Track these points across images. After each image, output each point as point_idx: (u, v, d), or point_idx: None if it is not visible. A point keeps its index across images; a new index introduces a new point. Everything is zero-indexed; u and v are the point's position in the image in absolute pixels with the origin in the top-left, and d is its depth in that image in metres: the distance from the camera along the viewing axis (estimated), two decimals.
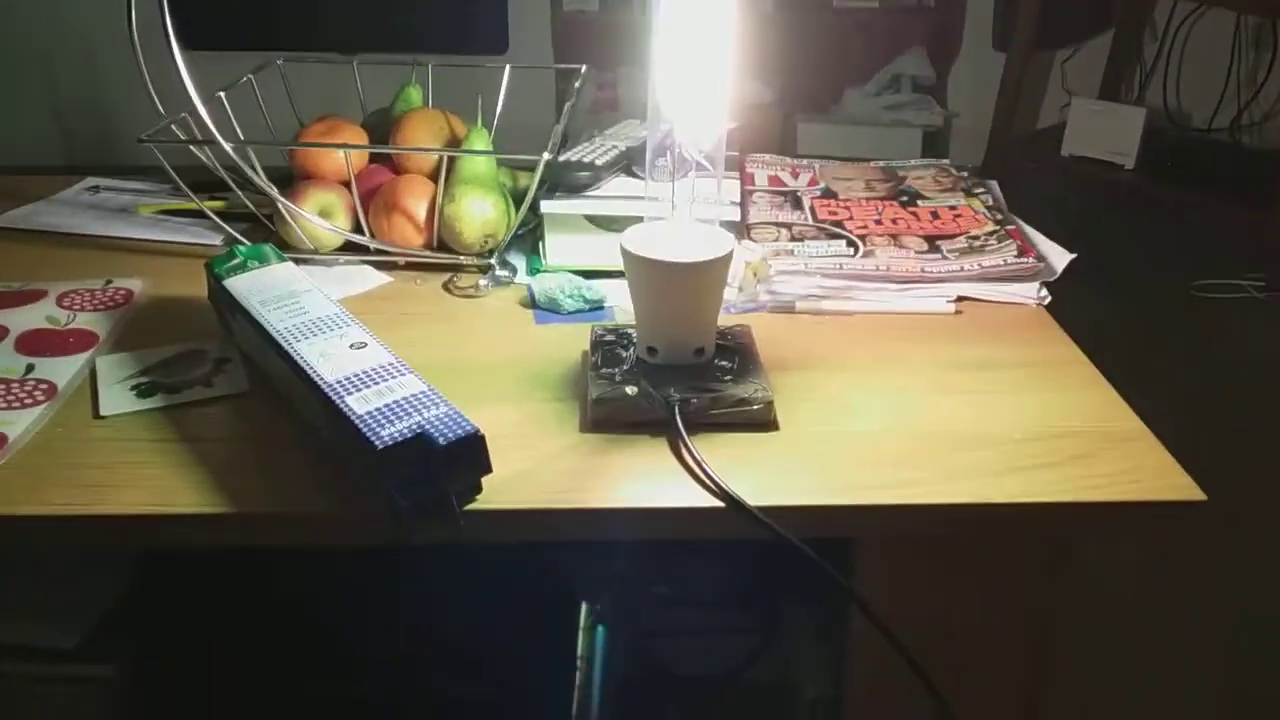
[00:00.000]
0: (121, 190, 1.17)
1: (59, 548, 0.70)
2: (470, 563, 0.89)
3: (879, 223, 1.05)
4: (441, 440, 0.62)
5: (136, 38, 0.92)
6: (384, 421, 0.64)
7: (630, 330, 0.82)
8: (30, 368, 0.80)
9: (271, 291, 0.79)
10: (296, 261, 0.91)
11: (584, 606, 0.64)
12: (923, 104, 3.27)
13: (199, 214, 1.04)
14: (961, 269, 0.97)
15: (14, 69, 3.28)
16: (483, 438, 0.64)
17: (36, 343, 0.84)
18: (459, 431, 0.63)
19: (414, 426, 0.63)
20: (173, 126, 0.96)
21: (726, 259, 0.76)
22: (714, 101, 0.76)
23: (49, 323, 0.87)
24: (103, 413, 0.76)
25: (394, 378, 0.68)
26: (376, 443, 0.62)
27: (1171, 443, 0.76)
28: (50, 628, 0.79)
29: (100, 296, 0.92)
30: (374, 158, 1.04)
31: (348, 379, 0.68)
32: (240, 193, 1.00)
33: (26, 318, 0.87)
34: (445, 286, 0.97)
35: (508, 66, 1.13)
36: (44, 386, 0.78)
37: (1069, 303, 0.99)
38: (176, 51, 0.89)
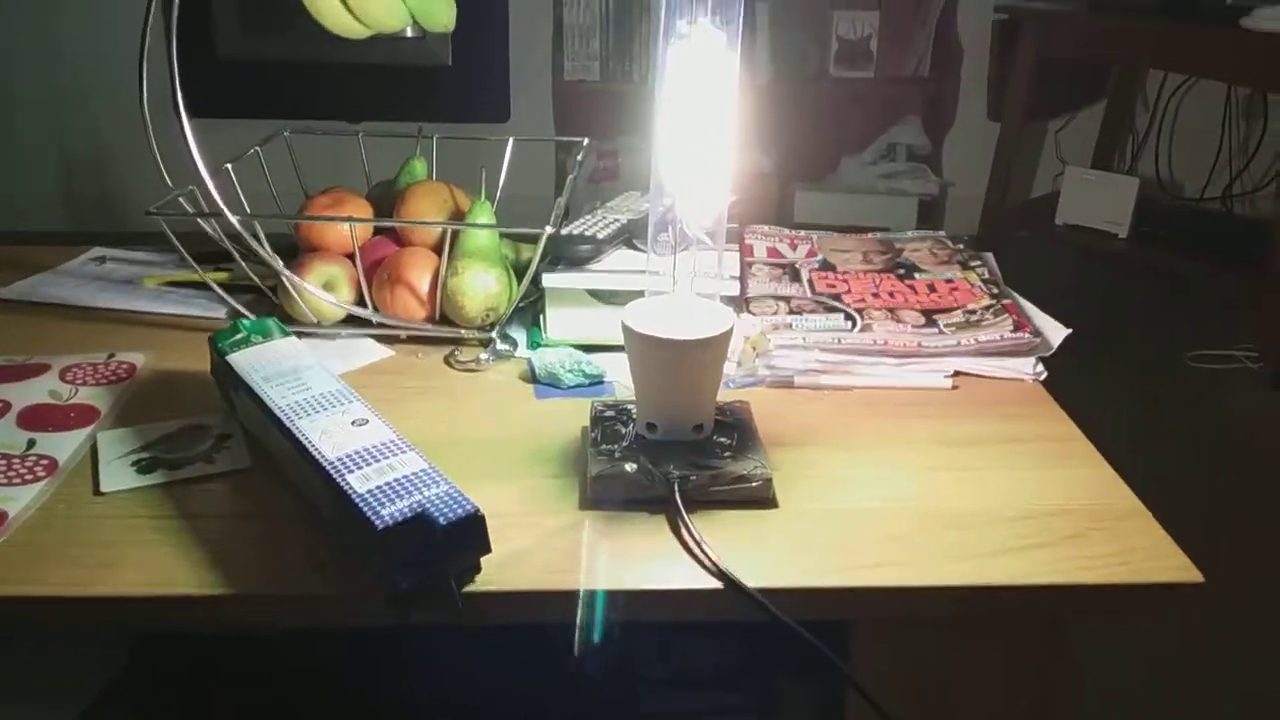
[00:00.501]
0: (127, 261, 1.18)
1: (58, 628, 0.70)
2: (472, 635, 0.89)
3: (876, 296, 1.06)
4: (442, 520, 0.63)
5: (148, 112, 0.94)
6: (385, 500, 0.64)
7: (630, 406, 0.82)
8: (31, 443, 0.80)
9: (274, 367, 0.80)
10: (299, 334, 0.91)
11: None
12: (918, 173, 3.31)
13: (204, 285, 1.05)
14: (958, 344, 0.98)
15: (21, 131, 3.32)
16: (483, 517, 0.64)
17: (38, 418, 0.84)
18: (459, 511, 0.63)
19: (414, 506, 0.63)
20: (180, 199, 0.97)
21: (727, 336, 0.77)
22: (715, 177, 0.77)
23: (51, 397, 0.87)
24: (103, 489, 0.76)
25: (395, 455, 0.69)
26: (377, 522, 0.62)
27: (1168, 515, 0.76)
28: (45, 707, 0.79)
29: (103, 370, 0.92)
30: (378, 230, 1.05)
31: (349, 456, 0.68)
32: (245, 264, 1.01)
33: (29, 392, 0.87)
34: (446, 360, 0.98)
35: (510, 139, 1.14)
36: (45, 462, 0.78)
37: (1065, 371, 0.99)
38: (187, 127, 0.91)
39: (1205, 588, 0.70)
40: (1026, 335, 0.99)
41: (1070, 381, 1.01)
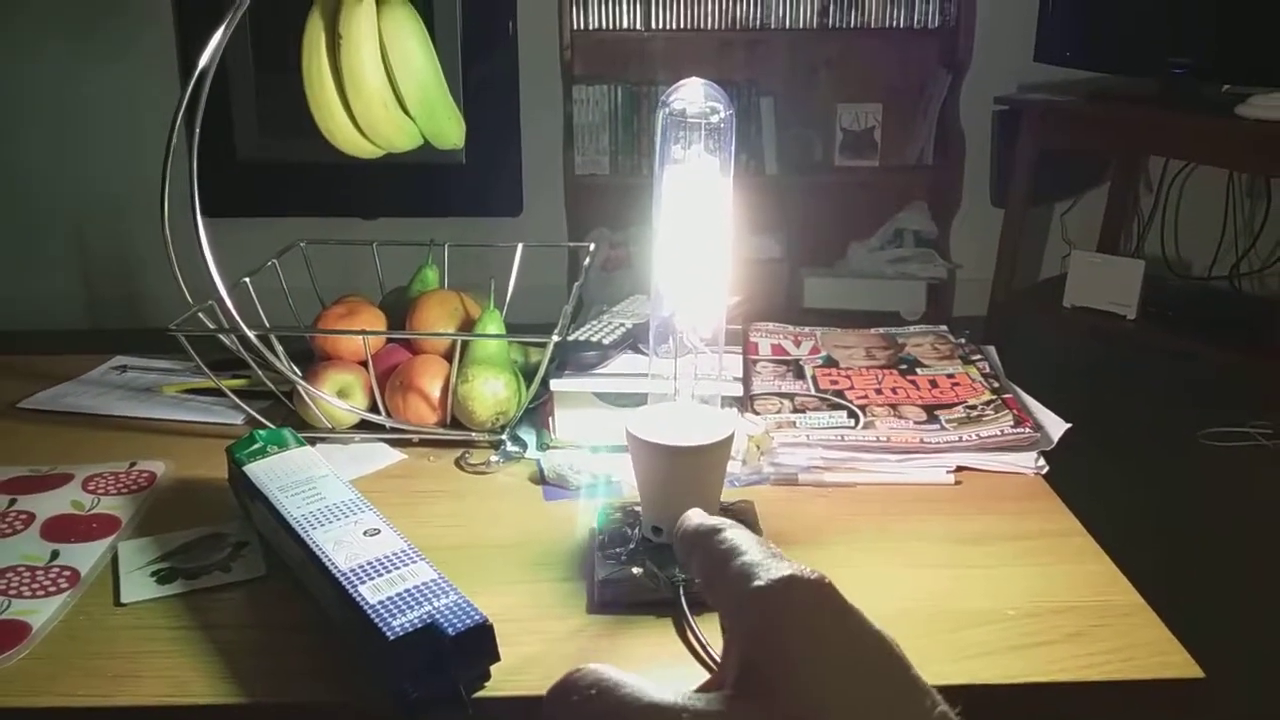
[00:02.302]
0: (147, 370, 1.21)
1: None
2: None
3: (879, 392, 1.09)
4: (451, 631, 0.64)
5: (168, 227, 0.98)
6: (395, 611, 0.66)
7: (636, 508, 0.84)
8: (55, 554, 0.83)
9: (290, 478, 0.82)
10: (314, 439, 0.94)
11: None
12: (926, 257, 3.35)
13: (222, 392, 1.08)
14: (960, 439, 1.00)
15: (44, 232, 3.40)
16: (491, 627, 0.66)
17: (61, 529, 0.86)
18: (468, 621, 0.65)
19: (424, 616, 0.65)
20: (200, 315, 1.00)
21: (728, 442, 0.79)
22: (714, 286, 0.80)
23: (74, 508, 0.90)
24: (123, 600, 0.78)
25: (405, 565, 0.71)
26: (388, 633, 0.64)
27: (1178, 597, 0.76)
28: None
29: (124, 479, 0.95)
30: (391, 338, 1.09)
31: (361, 567, 0.70)
32: (261, 373, 1.04)
33: (53, 503, 0.90)
34: (457, 463, 1.00)
35: (520, 245, 1.18)
36: (67, 574, 0.80)
37: (1073, 456, 1.00)
38: (206, 249, 0.95)
39: (1219, 679, 0.71)
40: (1027, 430, 1.00)
41: (1079, 466, 1.02)
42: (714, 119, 0.74)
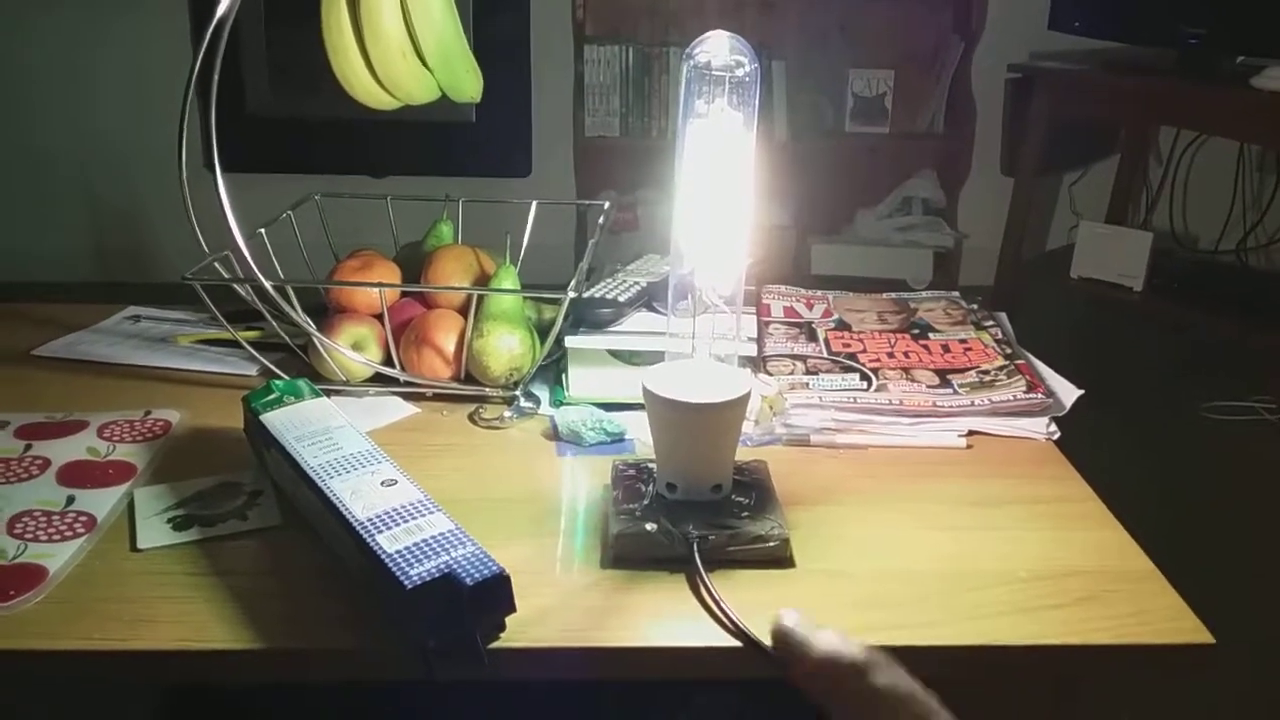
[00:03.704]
0: (161, 320, 1.21)
1: (95, 681, 0.72)
2: (500, 691, 0.90)
3: (891, 356, 1.09)
4: (469, 580, 0.65)
5: (185, 180, 0.97)
6: (413, 561, 0.66)
7: (650, 465, 0.84)
8: (71, 499, 0.83)
9: (306, 427, 0.82)
10: (328, 391, 0.94)
11: None
12: (933, 225, 3.33)
13: (236, 343, 1.08)
14: (972, 404, 1.00)
15: (53, 185, 3.38)
16: (508, 578, 0.66)
17: (77, 474, 0.87)
18: (486, 572, 0.65)
19: (442, 566, 0.66)
20: (215, 264, 1.00)
21: (744, 400, 0.79)
22: (733, 244, 0.80)
23: (90, 454, 0.90)
24: (140, 546, 0.78)
25: (423, 515, 0.71)
26: (406, 582, 0.64)
27: (1182, 569, 0.77)
28: None
29: (139, 427, 0.95)
30: (405, 292, 1.08)
31: (378, 517, 0.71)
32: (276, 325, 1.04)
33: (68, 449, 0.90)
34: (471, 418, 1.01)
35: (534, 203, 1.18)
36: (84, 518, 0.81)
37: (1080, 425, 1.01)
38: (224, 198, 0.95)
39: (1220, 648, 0.71)
40: (1039, 396, 1.00)
41: (1085, 435, 1.02)
42: (739, 73, 0.73)
